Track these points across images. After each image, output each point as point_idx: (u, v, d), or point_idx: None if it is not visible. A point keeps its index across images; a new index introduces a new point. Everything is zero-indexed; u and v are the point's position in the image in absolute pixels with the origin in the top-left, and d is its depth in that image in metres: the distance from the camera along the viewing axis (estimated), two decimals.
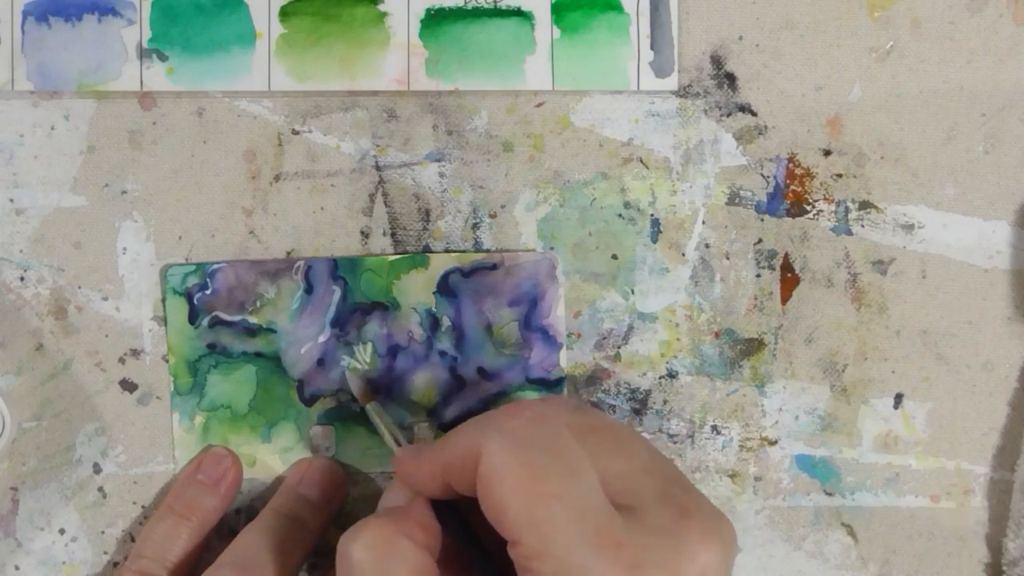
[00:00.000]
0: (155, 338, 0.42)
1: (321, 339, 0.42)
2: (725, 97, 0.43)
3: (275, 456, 0.42)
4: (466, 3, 0.42)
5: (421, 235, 0.43)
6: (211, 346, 0.42)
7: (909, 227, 0.43)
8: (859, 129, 0.43)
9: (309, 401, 0.42)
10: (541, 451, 0.31)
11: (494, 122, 0.43)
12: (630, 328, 0.43)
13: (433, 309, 0.42)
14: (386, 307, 0.42)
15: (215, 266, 0.42)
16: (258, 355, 0.42)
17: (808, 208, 0.43)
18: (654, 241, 0.43)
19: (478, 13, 0.42)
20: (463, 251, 0.43)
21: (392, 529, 0.32)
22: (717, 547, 0.31)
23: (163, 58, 0.42)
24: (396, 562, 0.32)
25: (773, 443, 0.43)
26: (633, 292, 0.43)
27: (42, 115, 0.42)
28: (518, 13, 0.42)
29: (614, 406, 0.43)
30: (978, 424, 0.43)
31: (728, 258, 0.43)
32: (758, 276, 0.43)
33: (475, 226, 0.43)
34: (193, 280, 0.42)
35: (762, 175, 0.43)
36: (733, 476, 0.43)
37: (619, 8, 0.43)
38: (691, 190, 0.43)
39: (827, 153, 0.43)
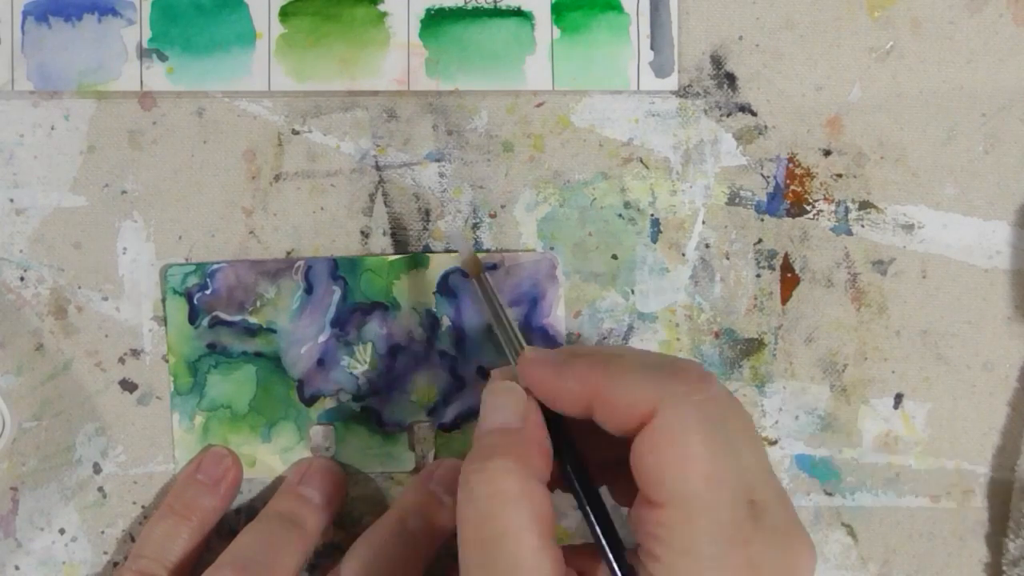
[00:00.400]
0: (155, 338, 0.42)
1: (321, 339, 0.42)
2: (725, 97, 0.43)
3: (275, 456, 0.42)
4: (466, 3, 0.42)
5: (421, 235, 0.43)
6: (211, 346, 0.42)
7: (909, 227, 0.43)
8: (859, 129, 0.43)
9: (309, 401, 0.42)
10: (716, 431, 0.31)
11: (494, 122, 0.43)
12: (630, 328, 0.43)
13: (433, 309, 0.42)
14: (386, 307, 0.42)
15: (215, 266, 0.42)
16: (258, 355, 0.42)
17: (808, 208, 0.43)
18: (654, 241, 0.43)
19: (478, 13, 0.42)
20: None
21: (521, 474, 0.31)
22: (813, 558, 0.31)
23: (163, 58, 0.42)
24: (522, 509, 0.31)
25: (773, 443, 0.43)
26: (633, 292, 0.43)
27: (42, 115, 0.42)
28: (518, 13, 0.42)
29: None
30: (978, 424, 0.43)
31: (728, 258, 0.43)
32: (758, 276, 0.43)
33: (475, 226, 0.43)
34: (193, 280, 0.42)
35: (762, 175, 0.43)
36: None
37: (619, 8, 0.43)
38: (691, 190, 0.43)
39: (827, 153, 0.43)
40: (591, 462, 0.34)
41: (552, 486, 0.33)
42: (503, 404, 0.34)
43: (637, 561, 0.31)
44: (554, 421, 0.34)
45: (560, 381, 0.33)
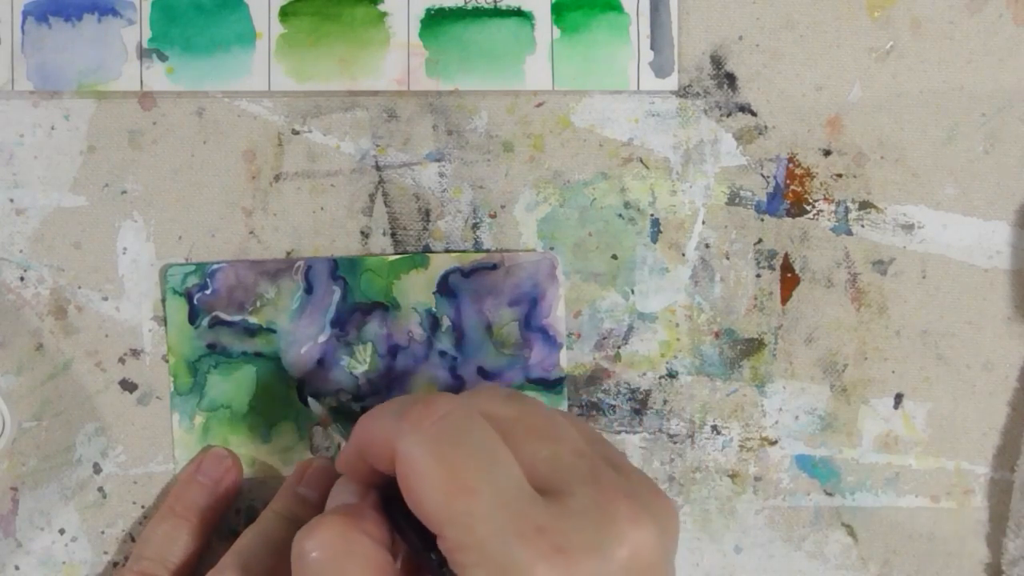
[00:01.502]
0: (155, 338, 0.42)
1: (321, 339, 0.42)
2: (725, 97, 0.43)
3: (275, 456, 0.42)
4: (466, 3, 0.42)
5: (421, 235, 0.43)
6: (211, 346, 0.42)
7: (909, 227, 0.43)
8: (859, 129, 0.43)
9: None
10: (456, 446, 0.30)
11: (494, 122, 0.43)
12: (630, 328, 0.43)
13: (433, 309, 0.42)
14: (386, 307, 0.42)
15: (215, 266, 0.42)
16: (258, 355, 0.42)
17: (808, 208, 0.43)
18: (654, 241, 0.43)
19: (478, 13, 0.42)
20: (463, 251, 0.43)
21: (348, 526, 0.32)
22: (649, 527, 0.30)
23: (163, 58, 0.41)
24: (354, 561, 0.31)
25: (773, 443, 0.43)
26: (633, 292, 0.43)
27: (42, 115, 0.42)
28: (518, 13, 0.42)
29: (614, 406, 0.43)
30: (978, 424, 0.43)
31: (728, 258, 0.43)
32: (758, 276, 0.43)
33: (475, 226, 0.43)
34: (193, 280, 0.42)
35: (762, 175, 0.43)
36: (733, 476, 0.43)
37: (619, 8, 0.43)
38: (691, 190, 0.43)
39: (827, 153, 0.43)
40: None
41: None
42: (341, 490, 0.35)
43: None
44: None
45: (345, 452, 0.34)
